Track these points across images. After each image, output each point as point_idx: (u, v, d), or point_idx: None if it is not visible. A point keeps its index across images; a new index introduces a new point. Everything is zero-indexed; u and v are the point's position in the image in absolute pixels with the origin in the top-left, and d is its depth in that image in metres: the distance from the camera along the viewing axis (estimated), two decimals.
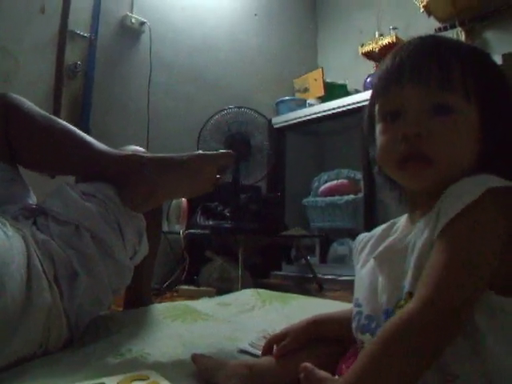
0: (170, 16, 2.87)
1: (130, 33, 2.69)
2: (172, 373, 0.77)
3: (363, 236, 0.74)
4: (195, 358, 0.78)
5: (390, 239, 0.64)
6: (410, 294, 0.53)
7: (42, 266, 0.84)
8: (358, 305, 0.66)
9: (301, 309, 1.25)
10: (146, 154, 1.09)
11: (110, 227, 0.97)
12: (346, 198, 2.81)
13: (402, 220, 0.67)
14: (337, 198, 2.85)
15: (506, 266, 0.50)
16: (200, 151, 1.08)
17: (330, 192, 2.93)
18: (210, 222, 2.39)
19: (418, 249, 0.55)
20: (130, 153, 1.09)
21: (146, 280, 1.34)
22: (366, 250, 0.69)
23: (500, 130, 0.59)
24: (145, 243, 1.08)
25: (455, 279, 0.48)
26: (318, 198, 2.99)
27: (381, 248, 0.64)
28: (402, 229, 0.65)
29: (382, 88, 0.63)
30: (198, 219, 2.48)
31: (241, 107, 2.32)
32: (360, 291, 0.67)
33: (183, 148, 2.38)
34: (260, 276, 2.72)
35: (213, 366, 0.74)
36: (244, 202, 2.40)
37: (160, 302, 1.72)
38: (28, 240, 0.86)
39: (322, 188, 3.00)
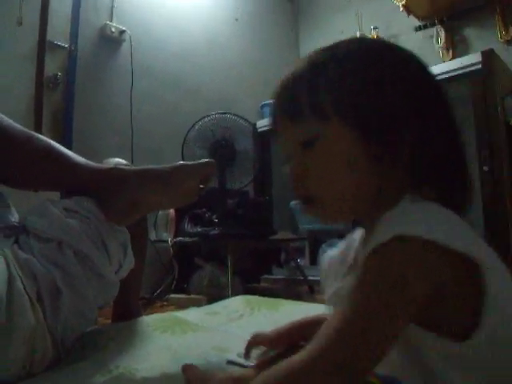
0: (149, 24, 2.86)
1: (111, 42, 2.68)
2: None
3: (326, 259, 0.68)
4: (186, 368, 0.78)
5: (346, 271, 0.60)
6: None
7: (23, 285, 0.83)
8: None
9: (290, 314, 1.24)
10: (127, 167, 1.08)
11: (93, 243, 0.96)
12: None
13: (357, 241, 0.61)
14: None
15: (450, 313, 0.47)
16: (181, 162, 1.07)
17: None
18: (198, 229, 2.38)
19: None
20: (112, 166, 1.08)
21: (133, 292, 1.33)
22: (329, 281, 0.64)
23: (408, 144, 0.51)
24: (130, 256, 1.07)
25: (342, 337, 0.44)
26: None
27: (335, 289, 0.59)
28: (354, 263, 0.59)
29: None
30: (186, 226, 2.47)
31: (224, 113, 2.31)
32: None
33: (168, 155, 2.38)
34: (250, 281, 2.71)
35: (203, 377, 0.73)
36: (231, 207, 2.39)
37: (150, 312, 1.71)
38: (9, 259, 0.84)
39: None
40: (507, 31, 2.71)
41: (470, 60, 2.25)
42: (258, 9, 3.50)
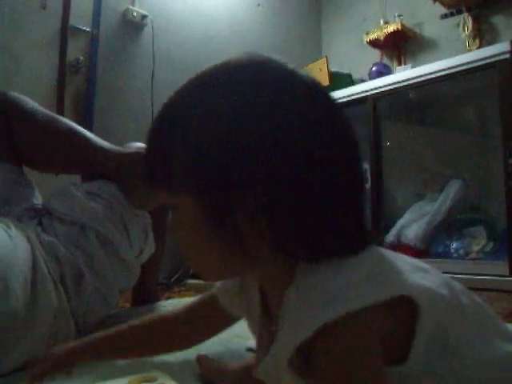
0: (171, 8, 2.85)
1: (132, 26, 2.67)
2: (179, 373, 0.77)
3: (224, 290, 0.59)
4: (199, 360, 0.78)
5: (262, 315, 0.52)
6: None
7: (47, 267, 0.84)
8: None
9: None
10: None
11: (115, 226, 0.97)
12: None
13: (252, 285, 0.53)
14: None
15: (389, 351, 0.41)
16: None
17: None
18: None
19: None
20: (134, 150, 1.08)
21: (152, 277, 1.34)
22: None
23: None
24: (151, 241, 1.08)
25: None
26: None
27: (260, 365, 0.49)
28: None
29: None
30: None
31: None
32: None
33: None
34: None
35: (217, 369, 0.73)
36: None
37: (168, 297, 1.72)
38: (33, 241, 0.85)
39: None
40: None
41: (498, 49, 2.19)
42: None
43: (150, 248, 1.09)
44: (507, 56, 2.15)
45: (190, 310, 0.64)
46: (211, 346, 0.90)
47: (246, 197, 0.42)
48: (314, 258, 0.42)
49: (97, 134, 1.09)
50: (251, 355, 0.84)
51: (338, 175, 0.43)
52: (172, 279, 2.38)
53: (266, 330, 0.51)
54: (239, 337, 0.96)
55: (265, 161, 0.41)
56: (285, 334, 0.42)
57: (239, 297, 0.57)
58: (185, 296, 1.93)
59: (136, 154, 1.05)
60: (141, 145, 1.16)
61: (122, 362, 0.81)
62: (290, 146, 0.42)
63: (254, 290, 0.53)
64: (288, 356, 0.40)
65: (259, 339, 0.54)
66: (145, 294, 1.30)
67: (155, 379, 0.67)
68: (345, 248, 0.42)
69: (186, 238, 0.47)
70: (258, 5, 3.33)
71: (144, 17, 2.68)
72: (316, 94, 0.47)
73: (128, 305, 1.34)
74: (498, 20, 2.75)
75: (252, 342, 0.90)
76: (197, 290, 2.15)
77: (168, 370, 0.78)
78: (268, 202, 0.41)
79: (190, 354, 0.85)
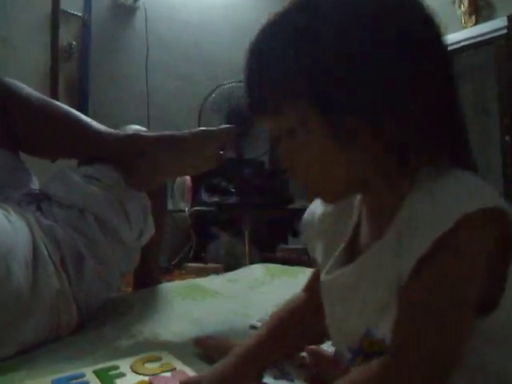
0: None
1: (125, 10, 2.64)
2: (183, 352, 0.77)
3: (311, 215, 0.61)
4: (199, 341, 0.78)
5: (345, 247, 0.54)
6: (370, 339, 0.47)
7: (47, 251, 0.84)
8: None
9: None
10: (147, 133, 1.08)
11: (114, 209, 0.97)
12: None
13: (358, 205, 0.55)
14: None
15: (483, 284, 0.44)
16: (201, 128, 1.06)
17: None
18: (215, 199, 2.38)
19: (383, 289, 0.46)
20: (131, 132, 1.07)
21: (153, 259, 1.34)
22: (319, 248, 0.58)
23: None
24: (150, 223, 1.08)
25: (427, 334, 0.41)
26: None
27: (333, 275, 0.53)
28: (363, 235, 0.53)
29: None
30: (202, 196, 2.47)
31: (240, 81, 2.28)
32: (326, 311, 0.56)
33: (184, 125, 2.35)
34: (267, 250, 2.72)
35: (219, 346, 0.73)
36: (248, 176, 2.38)
37: (169, 280, 1.73)
38: (32, 226, 0.85)
39: None
40: None
41: (495, 25, 2.18)
42: None
43: (149, 230, 1.08)
44: (504, 32, 2.14)
45: (309, 290, 0.65)
46: (213, 325, 0.91)
47: (381, 107, 0.45)
48: (437, 166, 0.45)
49: (93, 119, 1.09)
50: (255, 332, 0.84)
51: (454, 88, 0.48)
52: (172, 263, 2.38)
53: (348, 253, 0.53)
54: (241, 315, 0.97)
55: (398, 69, 0.45)
56: (413, 233, 0.42)
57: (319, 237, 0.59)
58: (182, 278, 1.95)
59: (133, 136, 1.04)
60: (137, 127, 1.16)
61: (125, 343, 0.82)
62: (421, 58, 0.46)
63: (347, 219, 0.55)
64: (422, 251, 0.41)
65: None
66: (146, 277, 1.30)
67: (160, 359, 0.68)
68: (461, 161, 0.47)
69: (310, 157, 0.48)
70: None
71: (136, 0, 2.65)
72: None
73: (130, 288, 1.34)
74: None
75: (252, 320, 0.91)
76: (197, 273, 2.16)
77: (171, 350, 0.78)
78: (403, 111, 0.45)
79: (192, 333, 0.86)
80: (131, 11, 2.66)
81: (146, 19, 2.66)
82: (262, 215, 2.48)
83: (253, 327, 0.87)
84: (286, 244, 2.98)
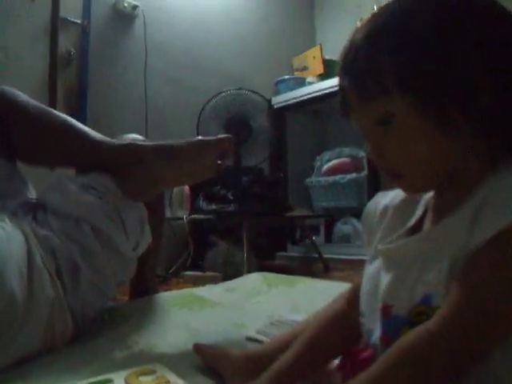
0: None
1: (123, 17, 2.64)
2: (179, 364, 0.76)
3: (374, 206, 0.63)
4: (197, 348, 0.77)
5: (407, 230, 0.56)
6: (421, 307, 0.48)
7: (43, 261, 0.83)
8: (362, 314, 0.58)
9: (307, 292, 1.24)
10: (145, 143, 1.07)
11: (110, 219, 0.96)
12: (348, 176, 2.78)
13: (425, 202, 0.57)
14: (339, 176, 2.83)
15: None
16: (199, 137, 1.06)
17: (333, 171, 2.90)
18: (214, 206, 2.38)
19: (450, 258, 0.47)
20: (129, 142, 1.07)
21: (150, 269, 1.33)
22: (379, 234, 0.59)
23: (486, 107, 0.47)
24: (147, 233, 1.07)
25: (479, 316, 0.42)
26: (321, 178, 2.97)
27: (396, 244, 0.55)
28: (427, 223, 0.55)
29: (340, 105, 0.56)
30: (200, 204, 2.46)
31: (239, 89, 2.29)
32: (363, 297, 0.58)
33: (183, 132, 2.36)
34: (265, 258, 2.71)
35: (216, 356, 0.73)
36: (247, 184, 2.38)
37: (166, 289, 1.72)
38: (28, 235, 0.85)
39: (325, 167, 2.98)
40: None
41: None
42: None
43: (146, 240, 1.08)
44: None
45: (350, 302, 0.63)
46: (209, 335, 0.90)
47: (485, 98, 0.47)
48: None
49: (90, 127, 1.08)
50: (251, 344, 0.84)
51: None
52: (169, 271, 2.37)
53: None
54: (237, 325, 0.96)
55: (489, 63, 0.47)
56: (485, 217, 0.43)
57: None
58: (179, 286, 1.94)
59: (131, 145, 1.03)
60: (135, 136, 1.15)
61: (120, 355, 0.81)
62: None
63: (410, 213, 0.57)
64: (491, 233, 0.42)
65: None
66: (143, 287, 1.29)
67: (154, 372, 0.67)
68: None
69: (408, 146, 0.49)
70: None
71: (135, 7, 2.66)
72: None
73: (126, 297, 1.33)
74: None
75: (250, 331, 0.90)
76: (194, 282, 2.15)
77: (167, 362, 0.78)
78: (495, 104, 0.47)
79: (189, 344, 0.85)
80: (130, 18, 2.67)
81: (145, 26, 2.67)
82: (260, 223, 2.48)
83: (249, 339, 0.87)
84: (286, 252, 2.97)
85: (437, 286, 0.47)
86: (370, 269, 0.58)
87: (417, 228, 0.56)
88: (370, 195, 2.45)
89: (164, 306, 1.13)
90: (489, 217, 0.43)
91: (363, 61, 0.50)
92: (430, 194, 0.56)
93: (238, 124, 2.23)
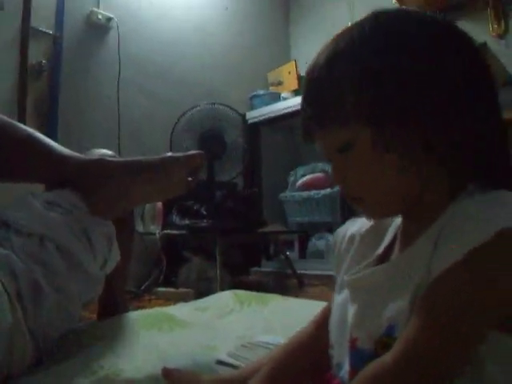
0: (137, 11, 2.80)
1: (97, 29, 2.61)
2: None
3: (342, 234, 0.63)
4: (166, 373, 0.74)
5: (376, 258, 0.55)
6: (386, 339, 0.46)
7: (2, 283, 0.79)
8: (331, 346, 0.56)
9: (280, 310, 1.22)
10: (114, 159, 1.04)
11: (76, 237, 0.92)
12: (322, 192, 2.79)
13: (395, 229, 0.56)
14: (314, 192, 2.83)
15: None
16: (169, 153, 1.03)
17: (307, 186, 2.91)
18: (187, 222, 2.35)
19: (413, 288, 0.46)
20: (97, 157, 1.04)
21: (119, 287, 1.29)
22: (346, 263, 0.59)
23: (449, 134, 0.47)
24: (115, 250, 1.04)
25: (436, 345, 0.41)
26: (295, 193, 2.97)
27: (362, 273, 0.53)
28: (395, 251, 0.54)
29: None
30: (173, 219, 2.43)
31: (213, 103, 2.27)
32: (332, 328, 0.57)
33: (156, 146, 2.34)
34: (239, 273, 2.69)
35: (186, 381, 0.70)
36: (220, 199, 2.36)
37: (138, 306, 1.68)
38: None
39: (299, 182, 2.98)
40: (499, 24, 2.69)
41: None
42: None
43: (114, 258, 1.04)
44: None
45: (319, 326, 0.62)
46: (178, 359, 0.87)
47: (432, 125, 0.47)
48: (485, 184, 0.47)
49: (62, 140, 1.05)
50: (222, 368, 0.81)
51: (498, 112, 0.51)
52: (141, 288, 2.32)
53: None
54: (207, 348, 0.93)
55: (445, 95, 0.47)
56: (452, 237, 0.43)
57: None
58: (155, 305, 1.89)
59: (99, 161, 1.00)
60: (104, 151, 1.12)
61: (84, 381, 0.77)
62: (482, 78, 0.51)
63: (379, 240, 0.57)
64: (458, 257, 0.41)
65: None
66: (112, 305, 1.25)
67: None
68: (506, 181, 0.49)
69: (366, 169, 0.50)
70: (226, 8, 3.31)
71: (109, 19, 2.63)
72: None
73: (94, 315, 1.29)
74: (462, 25, 2.77)
75: (221, 354, 0.87)
76: (167, 298, 2.11)
77: None
78: (457, 132, 0.47)
79: (157, 368, 0.81)
80: (104, 29, 2.64)
81: (119, 38, 2.64)
82: (234, 238, 2.46)
83: (220, 362, 0.84)
84: (260, 267, 2.95)
85: (399, 317, 0.46)
86: (339, 299, 0.57)
87: (386, 256, 0.55)
88: (344, 210, 2.46)
89: (132, 327, 1.09)
90: (444, 248, 0.43)
91: (322, 89, 0.51)
92: (399, 220, 0.56)
93: (211, 138, 2.21)
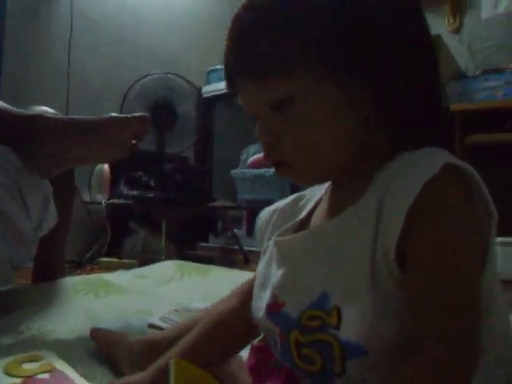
0: None
1: None
2: (73, 350, 0.72)
3: (267, 209, 0.60)
4: (94, 332, 0.74)
5: (298, 223, 0.53)
6: (337, 310, 0.42)
7: None
8: (254, 313, 0.53)
9: (220, 281, 1.22)
10: (54, 116, 1.00)
11: (10, 195, 0.89)
12: (272, 170, 2.79)
13: (316, 197, 0.54)
14: (264, 170, 2.84)
15: None
16: (113, 114, 1.00)
17: (258, 164, 2.91)
18: (134, 192, 2.30)
19: (353, 257, 0.42)
20: (37, 113, 0.99)
21: (57, 251, 1.26)
22: (268, 232, 0.56)
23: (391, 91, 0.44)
24: (52, 212, 1.00)
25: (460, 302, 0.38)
26: (246, 170, 2.97)
27: (290, 236, 0.51)
28: (319, 217, 0.51)
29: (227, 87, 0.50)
30: (121, 189, 2.38)
31: (168, 73, 2.22)
32: (254, 293, 0.53)
33: (106, 108, 2.25)
34: (186, 248, 2.67)
35: (112, 341, 0.69)
36: (169, 171, 2.33)
37: (78, 275, 1.64)
38: None
39: (250, 160, 2.98)
40: (455, 19, 2.75)
41: None
42: None
43: (51, 220, 1.01)
44: None
45: (244, 294, 0.58)
46: (110, 322, 0.86)
47: (392, 78, 0.44)
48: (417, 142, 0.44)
49: (4, 95, 0.99)
50: (152, 331, 0.80)
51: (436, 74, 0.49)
52: (84, 257, 2.27)
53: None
54: (143, 312, 0.93)
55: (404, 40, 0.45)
56: (396, 193, 0.40)
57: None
58: (93, 273, 1.86)
59: (37, 117, 0.96)
60: (45, 109, 1.08)
61: (8, 341, 0.75)
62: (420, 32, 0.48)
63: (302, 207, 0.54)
64: (408, 205, 0.38)
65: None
66: (49, 269, 1.22)
67: (40, 358, 0.62)
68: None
69: (305, 132, 0.45)
70: None
71: None
72: None
73: (26, 281, 1.25)
74: None
75: (154, 318, 0.87)
76: (109, 268, 2.07)
77: (62, 347, 0.73)
78: (402, 87, 0.44)
79: (87, 330, 0.80)
80: None
81: None
82: (181, 211, 2.44)
83: (152, 326, 0.83)
84: (207, 242, 2.95)
85: (335, 284, 0.43)
86: (260, 266, 0.55)
87: (307, 222, 0.53)
88: (293, 189, 2.47)
89: (67, 292, 1.07)
90: (399, 192, 0.40)
91: (258, 31, 0.45)
92: (322, 189, 0.53)
93: (163, 108, 2.16)
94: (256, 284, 0.54)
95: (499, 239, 0.41)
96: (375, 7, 0.44)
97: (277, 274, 0.50)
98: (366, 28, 0.43)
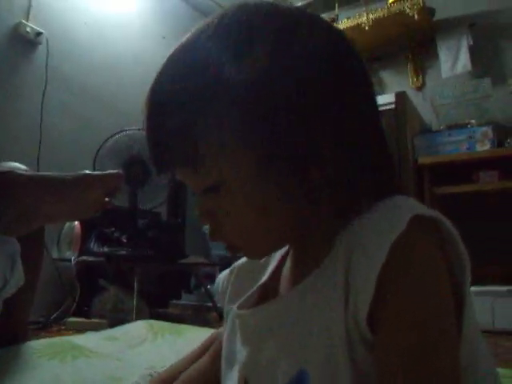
0: (71, 29, 2.72)
1: (25, 42, 2.51)
2: None
3: (230, 268, 0.58)
4: None
5: (259, 288, 0.51)
6: None
7: None
8: (223, 380, 0.51)
9: (195, 342, 1.17)
10: (24, 172, 0.98)
11: None
12: None
13: (278, 254, 0.52)
14: None
15: None
16: (86, 171, 0.98)
17: None
18: (105, 249, 2.24)
19: (325, 329, 0.39)
20: (6, 170, 0.97)
21: (21, 313, 1.19)
22: (228, 294, 0.55)
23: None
24: (19, 272, 0.96)
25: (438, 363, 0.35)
26: None
27: (252, 310, 0.47)
28: (284, 280, 0.48)
29: None
30: (92, 245, 2.32)
31: (139, 129, 2.23)
32: (223, 362, 0.51)
33: (77, 169, 2.22)
34: (158, 306, 2.59)
35: None
36: (142, 227, 2.29)
37: (44, 338, 1.56)
38: None
39: None
40: (417, 78, 2.91)
41: (385, 99, 2.36)
42: (185, 28, 3.44)
43: (17, 280, 0.96)
44: (392, 106, 2.32)
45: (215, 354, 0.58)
46: None
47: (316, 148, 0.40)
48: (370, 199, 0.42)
49: None
50: None
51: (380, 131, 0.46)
52: (51, 317, 2.17)
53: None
54: (113, 379, 0.88)
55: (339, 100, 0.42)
56: (364, 256, 0.37)
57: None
58: (60, 334, 1.77)
59: (7, 174, 0.93)
60: (15, 165, 1.05)
61: None
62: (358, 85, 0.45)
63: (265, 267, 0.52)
64: (376, 273, 0.36)
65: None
66: (11, 332, 1.15)
67: None
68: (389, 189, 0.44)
69: (241, 214, 0.42)
70: (163, 37, 3.31)
71: (39, 34, 2.53)
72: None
73: None
74: (385, 75, 3.00)
75: None
76: (77, 329, 1.98)
77: None
78: (341, 150, 0.41)
79: None
80: (32, 44, 2.53)
81: (48, 55, 2.54)
82: (153, 268, 2.38)
83: None
84: (180, 300, 2.87)
85: (308, 364, 0.39)
86: (226, 334, 0.52)
87: (269, 286, 0.50)
88: None
89: (31, 357, 1.01)
90: (363, 259, 0.38)
91: (169, 117, 0.42)
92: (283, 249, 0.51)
93: (136, 165, 2.16)
94: (223, 356, 0.51)
95: (471, 288, 0.40)
96: (299, 81, 0.40)
97: (242, 351, 0.47)
98: (290, 106, 0.40)
